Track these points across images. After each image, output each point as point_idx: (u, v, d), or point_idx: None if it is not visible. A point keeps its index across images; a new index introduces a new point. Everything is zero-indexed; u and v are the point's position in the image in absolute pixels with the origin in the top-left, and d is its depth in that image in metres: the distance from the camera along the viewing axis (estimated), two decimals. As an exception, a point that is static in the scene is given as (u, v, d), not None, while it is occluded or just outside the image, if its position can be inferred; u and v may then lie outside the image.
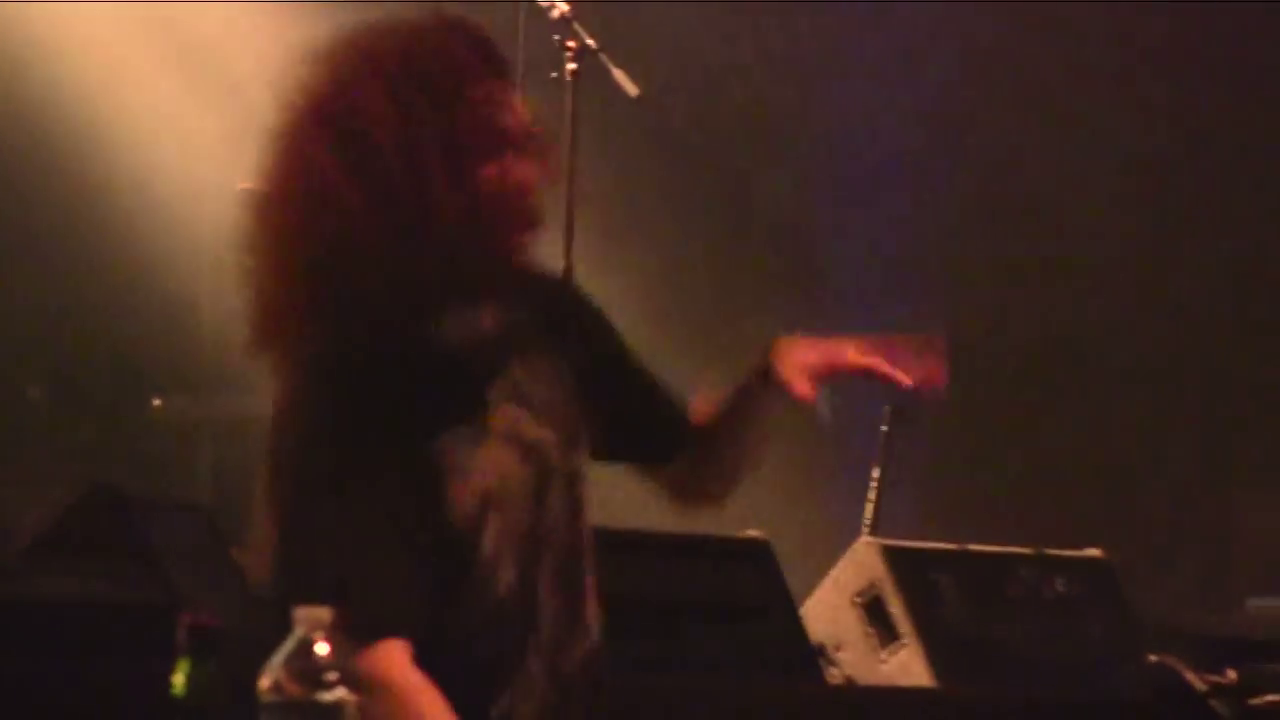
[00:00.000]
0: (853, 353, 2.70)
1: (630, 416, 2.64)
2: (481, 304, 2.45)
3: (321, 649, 1.92)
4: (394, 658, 2.33)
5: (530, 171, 2.45)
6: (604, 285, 5.42)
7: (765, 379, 2.69)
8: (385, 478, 2.37)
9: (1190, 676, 2.72)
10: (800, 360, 2.69)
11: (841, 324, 3.54)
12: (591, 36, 4.50)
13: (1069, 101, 6.48)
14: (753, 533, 3.87)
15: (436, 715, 2.33)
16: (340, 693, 1.90)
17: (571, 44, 4.48)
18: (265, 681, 1.92)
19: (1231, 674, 2.78)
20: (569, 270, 4.27)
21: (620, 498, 3.54)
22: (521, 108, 2.46)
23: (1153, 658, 2.90)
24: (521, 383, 2.48)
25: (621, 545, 3.40)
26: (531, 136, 2.45)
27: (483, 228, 2.40)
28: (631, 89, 4.51)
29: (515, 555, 2.43)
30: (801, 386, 2.67)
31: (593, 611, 2.50)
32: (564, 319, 2.57)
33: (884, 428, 4.77)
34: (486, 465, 2.41)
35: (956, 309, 6.27)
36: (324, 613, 1.92)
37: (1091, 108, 6.43)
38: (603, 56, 4.48)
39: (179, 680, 2.04)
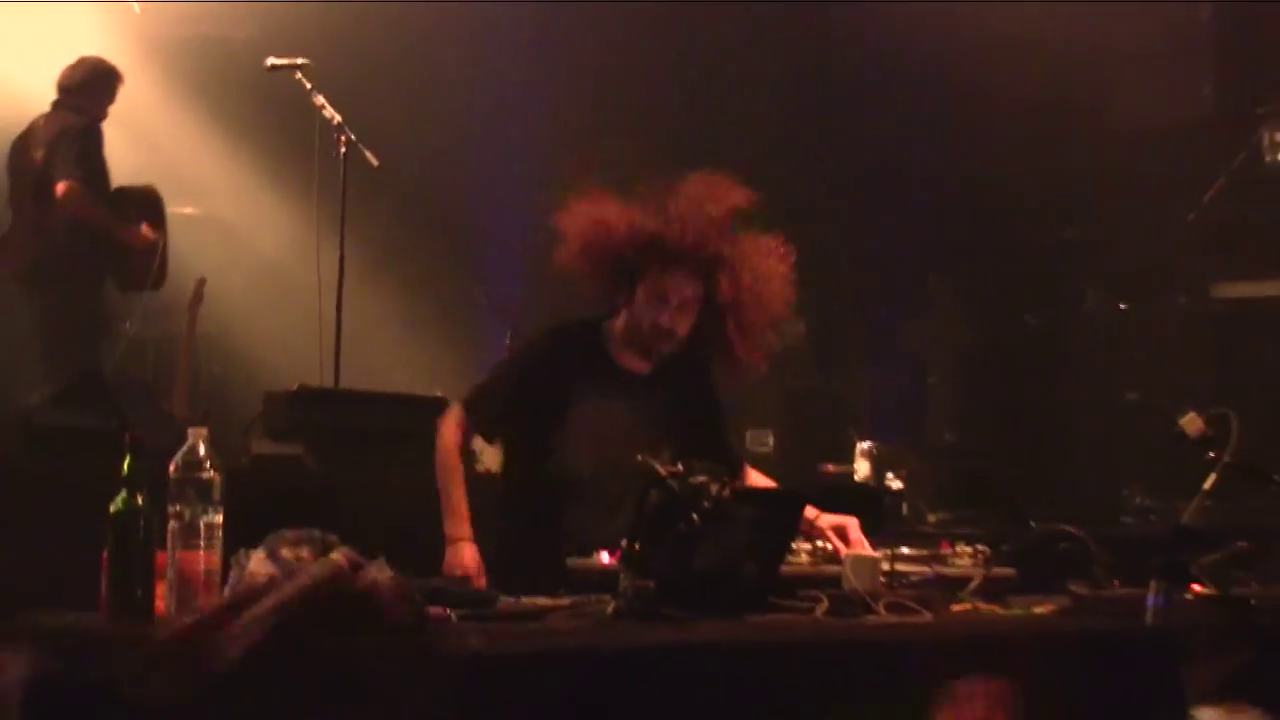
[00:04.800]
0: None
1: None
2: None
3: (201, 449, 2.92)
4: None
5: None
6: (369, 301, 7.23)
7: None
8: None
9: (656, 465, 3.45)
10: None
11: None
12: (353, 132, 6.55)
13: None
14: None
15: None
16: (211, 473, 2.89)
17: (343, 138, 6.54)
18: (171, 467, 2.86)
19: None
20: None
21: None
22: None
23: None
24: None
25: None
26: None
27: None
28: (374, 161, 6.49)
29: None
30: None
31: None
32: None
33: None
34: None
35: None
36: (203, 431, 2.93)
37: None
38: (360, 146, 6.51)
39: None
